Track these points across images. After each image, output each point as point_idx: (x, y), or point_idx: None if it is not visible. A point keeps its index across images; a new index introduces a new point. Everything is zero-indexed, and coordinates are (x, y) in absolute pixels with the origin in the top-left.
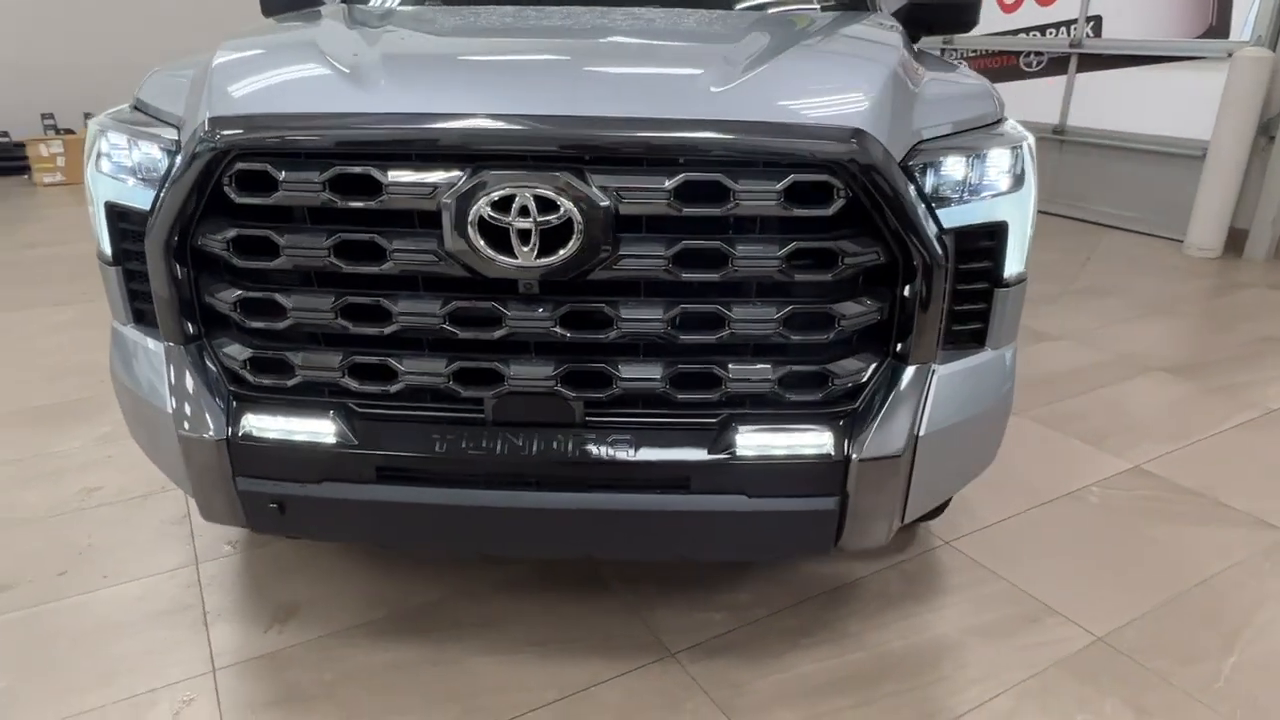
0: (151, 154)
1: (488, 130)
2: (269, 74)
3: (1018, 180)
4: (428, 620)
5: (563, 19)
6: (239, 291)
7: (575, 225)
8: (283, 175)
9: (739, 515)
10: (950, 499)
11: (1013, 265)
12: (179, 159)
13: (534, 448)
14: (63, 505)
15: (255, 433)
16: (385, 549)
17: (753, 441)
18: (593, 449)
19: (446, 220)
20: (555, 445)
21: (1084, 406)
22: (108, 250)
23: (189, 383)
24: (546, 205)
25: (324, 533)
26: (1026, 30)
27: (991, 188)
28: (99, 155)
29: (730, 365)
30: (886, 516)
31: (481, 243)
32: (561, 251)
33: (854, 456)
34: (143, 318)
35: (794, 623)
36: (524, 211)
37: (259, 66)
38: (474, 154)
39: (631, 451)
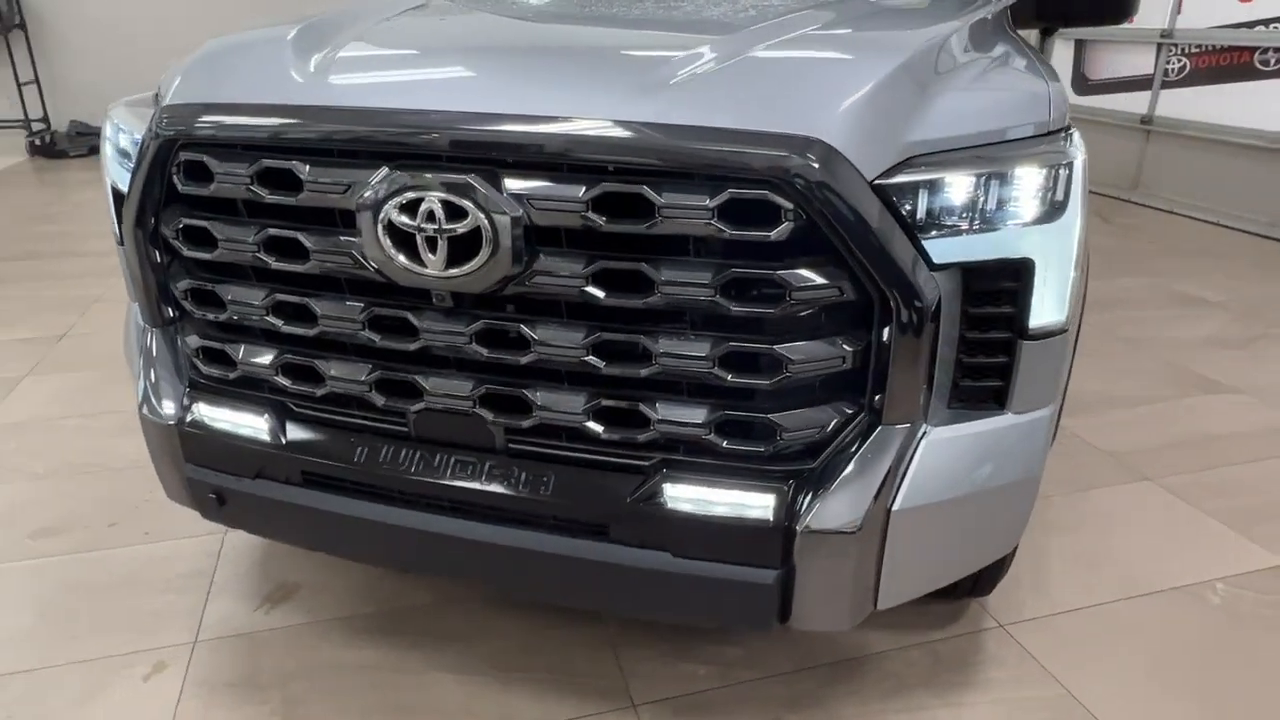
0: (138, 139)
1: (392, 126)
2: (226, 67)
3: (1053, 208)
4: (407, 625)
5: (553, 18)
6: (190, 280)
7: (484, 235)
8: (216, 167)
9: (661, 575)
10: (1004, 569)
11: (1045, 313)
12: (142, 145)
13: (449, 470)
14: (141, 459)
15: (201, 421)
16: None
17: (682, 494)
18: (506, 479)
19: (360, 222)
20: (470, 470)
21: (1240, 480)
22: (116, 231)
23: (155, 366)
24: (455, 212)
25: (258, 529)
26: (1266, 22)
27: (1014, 216)
28: (106, 140)
29: (659, 404)
30: (846, 598)
31: (391, 249)
32: (471, 262)
33: (799, 525)
34: None
35: (782, 693)
36: (431, 216)
37: (225, 59)
38: (386, 152)
39: (546, 488)
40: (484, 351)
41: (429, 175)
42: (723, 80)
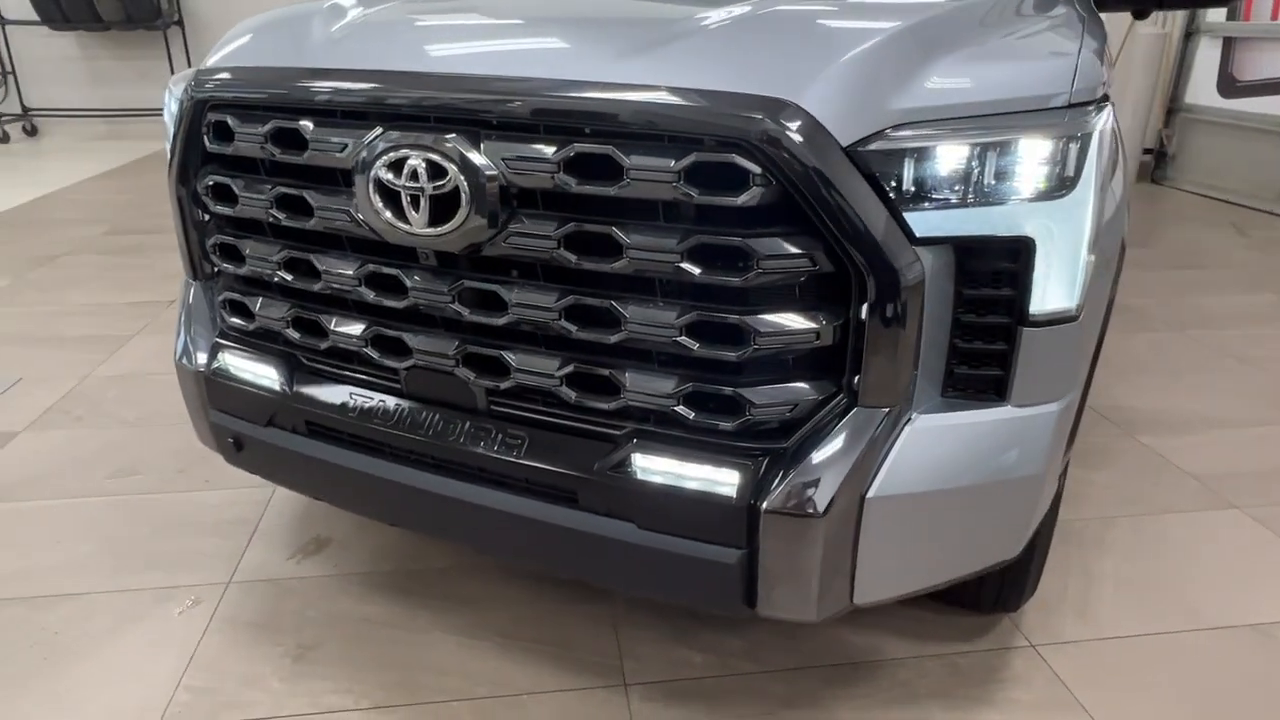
0: None
1: (382, 87)
2: (260, 36)
3: (1060, 184)
4: (421, 585)
5: None
6: (218, 235)
7: (463, 194)
8: (237, 126)
9: (626, 545)
10: (1029, 581)
11: (1050, 299)
12: (179, 108)
13: (434, 428)
14: None
15: (224, 369)
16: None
17: (649, 464)
18: (485, 440)
19: (356, 180)
20: (452, 429)
21: None
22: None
23: (191, 317)
24: (437, 171)
25: (269, 475)
26: None
27: (1012, 190)
28: (166, 108)
29: (629, 372)
30: (813, 587)
31: (380, 205)
32: (450, 222)
33: (762, 504)
34: None
35: (780, 689)
36: (414, 175)
37: (262, 29)
38: (381, 113)
39: (520, 450)
40: (464, 312)
41: (413, 135)
42: (701, 44)
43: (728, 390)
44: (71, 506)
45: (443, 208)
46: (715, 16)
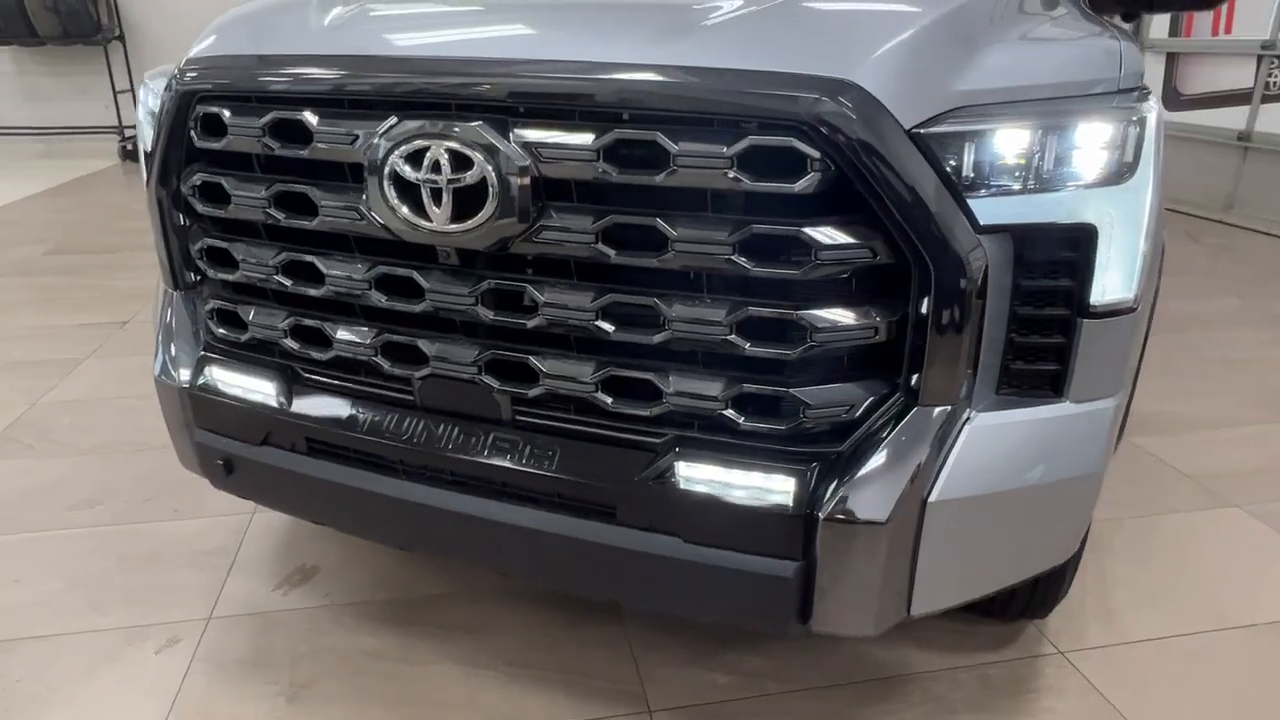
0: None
1: (398, 73)
2: (248, 24)
3: (1121, 170)
4: (420, 614)
5: None
6: (205, 240)
7: (490, 187)
8: (230, 120)
9: (671, 562)
10: (1064, 585)
11: (1109, 289)
12: (163, 102)
13: (451, 441)
14: None
15: (211, 385)
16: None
17: (694, 474)
18: (511, 453)
19: (368, 174)
20: (473, 442)
21: None
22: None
23: (172, 329)
24: (461, 162)
25: (264, 499)
26: None
27: (1074, 176)
28: (140, 104)
29: (672, 375)
30: (874, 599)
31: (396, 200)
32: (476, 216)
33: (820, 513)
34: None
35: (810, 709)
36: (436, 167)
37: (250, 18)
38: (394, 100)
39: (551, 463)
40: (489, 314)
41: (435, 124)
42: (746, 23)
43: (781, 392)
44: (30, 541)
45: (467, 202)
46: None
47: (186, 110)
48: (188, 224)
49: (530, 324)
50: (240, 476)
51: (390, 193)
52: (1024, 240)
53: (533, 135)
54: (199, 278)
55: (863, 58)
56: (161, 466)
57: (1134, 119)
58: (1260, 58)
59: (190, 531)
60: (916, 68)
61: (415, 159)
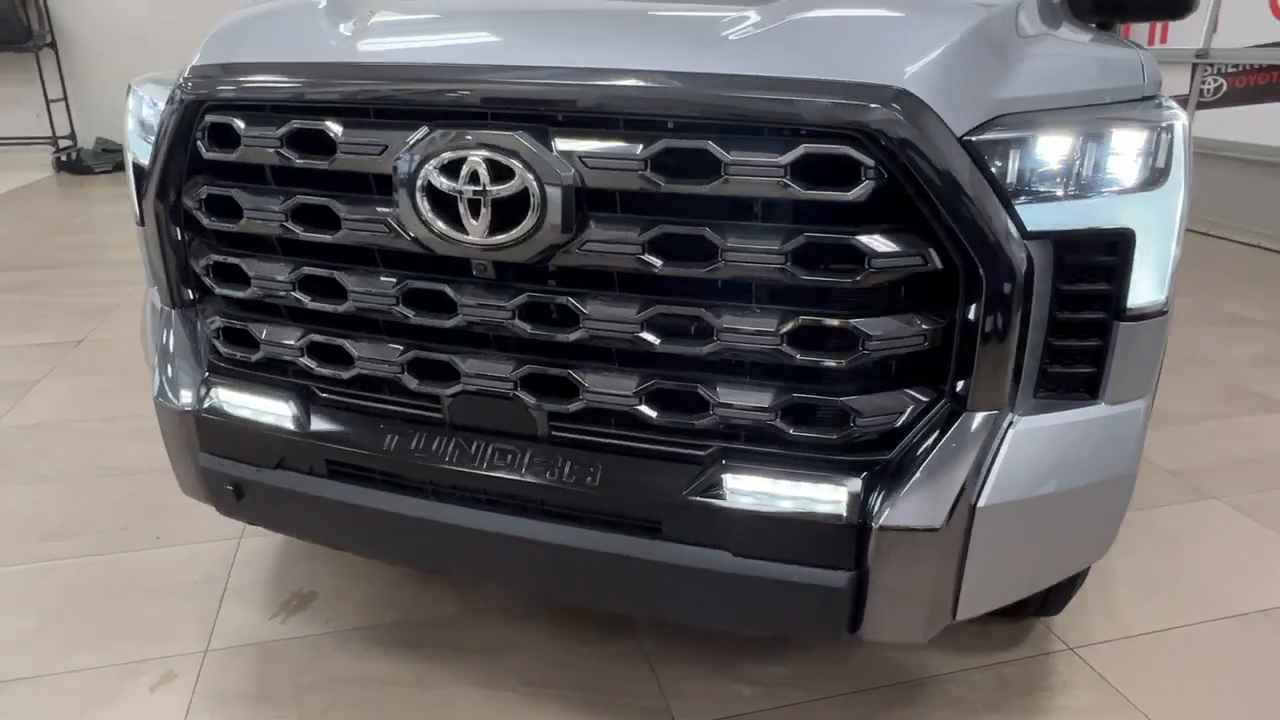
0: (160, 109)
1: (434, 81)
2: (255, 30)
3: (1156, 175)
4: (430, 636)
5: None
6: (212, 255)
7: (531, 198)
8: (244, 129)
9: (719, 576)
10: (1076, 585)
11: (1144, 292)
12: (165, 112)
13: (486, 459)
14: (155, 463)
15: (219, 407)
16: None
17: (743, 485)
18: (549, 469)
19: (398, 186)
20: (509, 459)
21: None
22: (137, 211)
23: (172, 349)
24: (501, 172)
25: (278, 525)
26: None
27: (1112, 182)
28: (129, 113)
29: (719, 386)
30: (924, 607)
31: (429, 213)
32: (516, 229)
33: (873, 522)
34: None
35: (836, 717)
36: (474, 178)
37: (255, 24)
38: (427, 109)
39: (593, 478)
40: (527, 328)
41: (473, 133)
42: (793, 30)
43: (832, 400)
44: (1, 577)
45: (506, 214)
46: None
47: (193, 120)
48: (188, 239)
49: (571, 337)
50: (251, 502)
51: (424, 205)
52: (1064, 245)
53: (577, 145)
54: (198, 295)
55: (914, 65)
56: (134, 492)
57: (1166, 125)
58: (1195, 66)
59: (175, 560)
60: (964, 75)
61: (451, 170)
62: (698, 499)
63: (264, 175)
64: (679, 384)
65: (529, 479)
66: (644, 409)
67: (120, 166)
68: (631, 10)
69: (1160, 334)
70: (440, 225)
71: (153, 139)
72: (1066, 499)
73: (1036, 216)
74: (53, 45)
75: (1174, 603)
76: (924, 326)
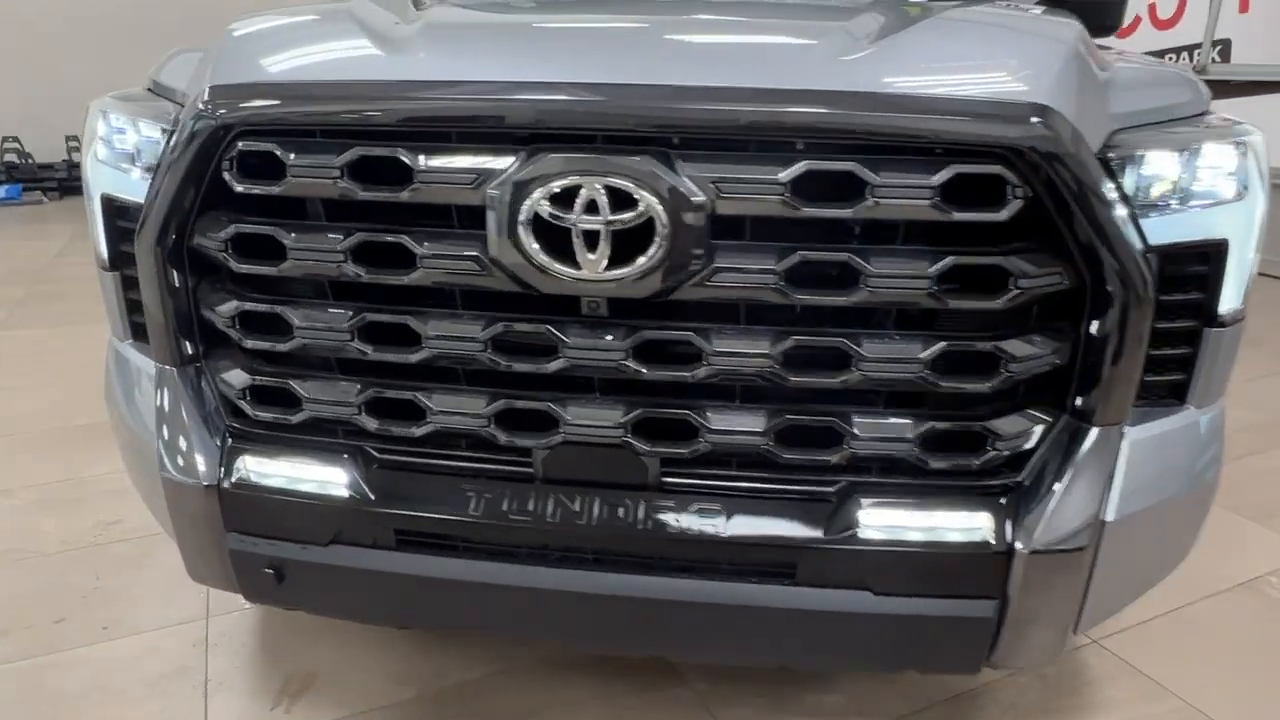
0: (153, 137)
1: (547, 101)
2: (287, 40)
3: (1241, 186)
4: (462, 706)
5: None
6: (239, 303)
7: (659, 227)
8: (292, 158)
9: (861, 618)
10: None
11: (1230, 299)
12: (174, 139)
13: (594, 515)
14: (78, 539)
15: (252, 479)
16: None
17: (882, 520)
18: (671, 520)
19: (493, 218)
20: (622, 513)
21: (1241, 477)
22: (104, 253)
23: (179, 414)
24: (622, 200)
25: (331, 608)
26: (1188, 49)
27: (1208, 195)
28: (98, 140)
29: (855, 418)
30: (1058, 628)
31: (535, 247)
32: (640, 261)
33: (1019, 547)
34: (142, 333)
35: None
36: (592, 208)
37: (279, 34)
38: (530, 133)
39: (722, 526)
40: (643, 369)
41: (590, 158)
42: (919, 48)
43: (973, 426)
44: None
45: (624, 246)
46: (886, 15)
47: (216, 147)
48: (192, 286)
49: (696, 375)
50: (295, 584)
51: (528, 238)
52: (1169, 257)
53: (709, 169)
54: (204, 348)
55: (1051, 81)
56: (60, 576)
57: (1250, 138)
58: None
59: (135, 652)
60: (1088, 90)
61: (562, 199)
62: (835, 539)
63: (308, 209)
64: (812, 418)
65: (646, 532)
66: (773, 447)
67: None
68: (740, 22)
69: (1239, 338)
70: (548, 261)
71: (129, 167)
72: (1174, 504)
73: (1153, 229)
74: None
75: (1169, 585)
76: (1056, 344)
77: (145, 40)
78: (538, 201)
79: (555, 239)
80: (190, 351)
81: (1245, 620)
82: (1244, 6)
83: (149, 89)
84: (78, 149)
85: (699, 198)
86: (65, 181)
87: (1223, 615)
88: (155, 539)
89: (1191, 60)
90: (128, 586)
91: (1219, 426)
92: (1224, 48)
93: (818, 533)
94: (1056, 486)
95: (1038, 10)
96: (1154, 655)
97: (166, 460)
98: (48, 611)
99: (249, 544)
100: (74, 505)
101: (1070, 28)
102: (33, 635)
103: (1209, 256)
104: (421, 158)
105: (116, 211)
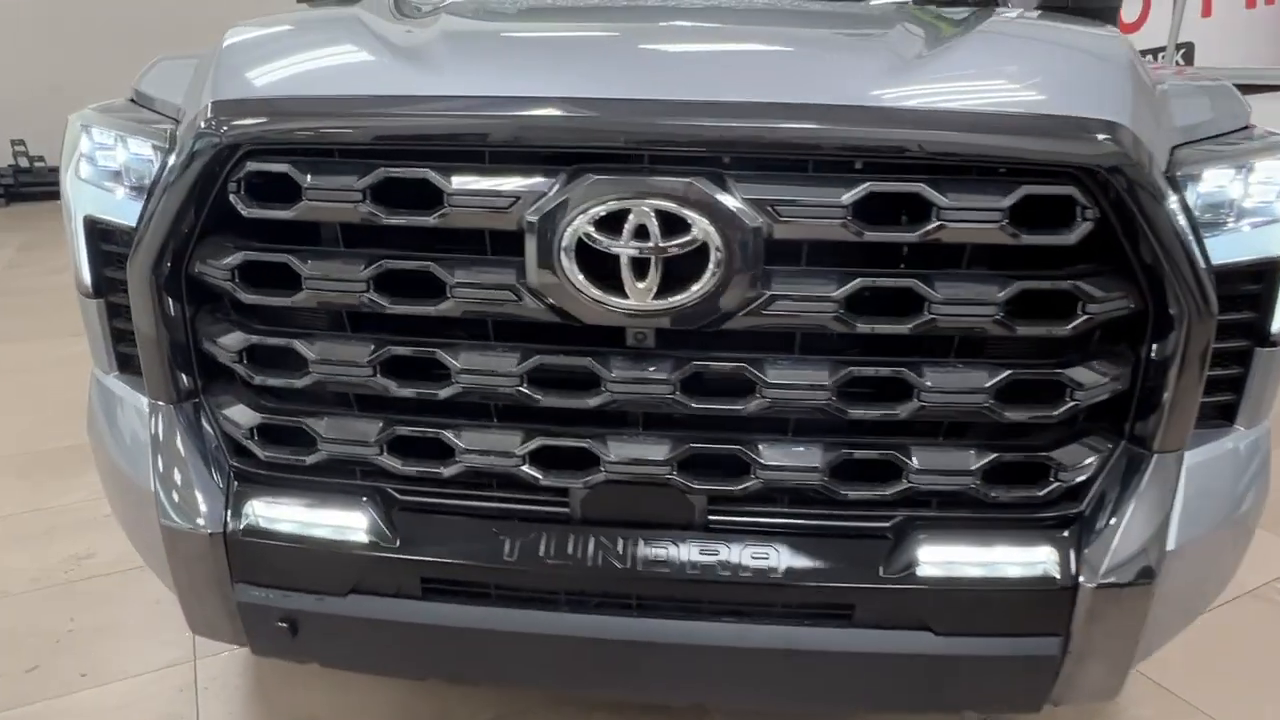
0: (143, 154)
1: (590, 119)
2: (296, 50)
3: None
4: None
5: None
6: (247, 336)
7: (712, 252)
8: (309, 180)
9: (921, 659)
10: None
11: (1278, 317)
12: (172, 158)
13: (637, 558)
14: (47, 575)
15: (262, 525)
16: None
17: (942, 556)
18: (719, 562)
19: (531, 244)
20: (667, 555)
21: None
22: (87, 279)
23: (178, 454)
24: (672, 224)
25: (348, 661)
26: (1152, 53)
27: (1262, 212)
28: (80, 158)
29: (915, 450)
30: (1120, 663)
31: (579, 276)
32: (695, 288)
33: (1084, 581)
34: (130, 365)
35: None
36: (641, 233)
37: (284, 42)
38: (571, 152)
39: (775, 567)
40: (691, 403)
41: (638, 180)
42: (972, 59)
43: (1037, 456)
44: None
45: (675, 272)
46: (924, 31)
47: (221, 168)
48: (191, 316)
49: (749, 409)
50: (309, 637)
51: (570, 266)
52: (1224, 275)
53: (765, 191)
54: (202, 383)
55: (1120, 97)
56: (31, 619)
57: None
58: None
59: (118, 700)
60: (1152, 107)
61: (608, 224)
62: (894, 577)
63: (323, 234)
64: (871, 451)
65: (693, 575)
66: (830, 483)
67: None
68: (784, 36)
69: None
70: (593, 290)
71: (115, 186)
72: (1226, 529)
73: (1214, 249)
74: None
75: None
76: (1119, 369)
77: (98, 41)
78: (581, 226)
79: (597, 266)
80: (188, 386)
81: (1255, 630)
82: (1206, 11)
83: (131, 99)
84: (24, 153)
85: (755, 222)
86: (12, 188)
87: (1240, 626)
88: (132, 573)
89: (1155, 62)
90: (105, 627)
91: (1266, 447)
92: (1187, 51)
93: (875, 571)
94: (1119, 517)
95: (1034, 16)
96: (1175, 671)
97: (165, 505)
98: (18, 659)
99: (259, 596)
100: (43, 538)
101: (1120, 39)
102: (2, 686)
103: (1262, 275)
104: (454, 179)
105: (101, 234)
